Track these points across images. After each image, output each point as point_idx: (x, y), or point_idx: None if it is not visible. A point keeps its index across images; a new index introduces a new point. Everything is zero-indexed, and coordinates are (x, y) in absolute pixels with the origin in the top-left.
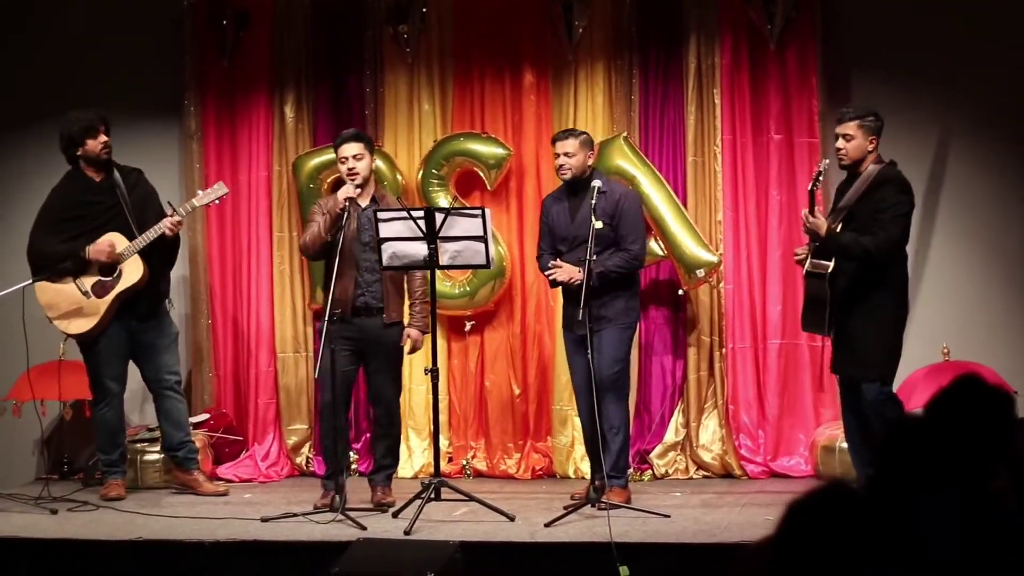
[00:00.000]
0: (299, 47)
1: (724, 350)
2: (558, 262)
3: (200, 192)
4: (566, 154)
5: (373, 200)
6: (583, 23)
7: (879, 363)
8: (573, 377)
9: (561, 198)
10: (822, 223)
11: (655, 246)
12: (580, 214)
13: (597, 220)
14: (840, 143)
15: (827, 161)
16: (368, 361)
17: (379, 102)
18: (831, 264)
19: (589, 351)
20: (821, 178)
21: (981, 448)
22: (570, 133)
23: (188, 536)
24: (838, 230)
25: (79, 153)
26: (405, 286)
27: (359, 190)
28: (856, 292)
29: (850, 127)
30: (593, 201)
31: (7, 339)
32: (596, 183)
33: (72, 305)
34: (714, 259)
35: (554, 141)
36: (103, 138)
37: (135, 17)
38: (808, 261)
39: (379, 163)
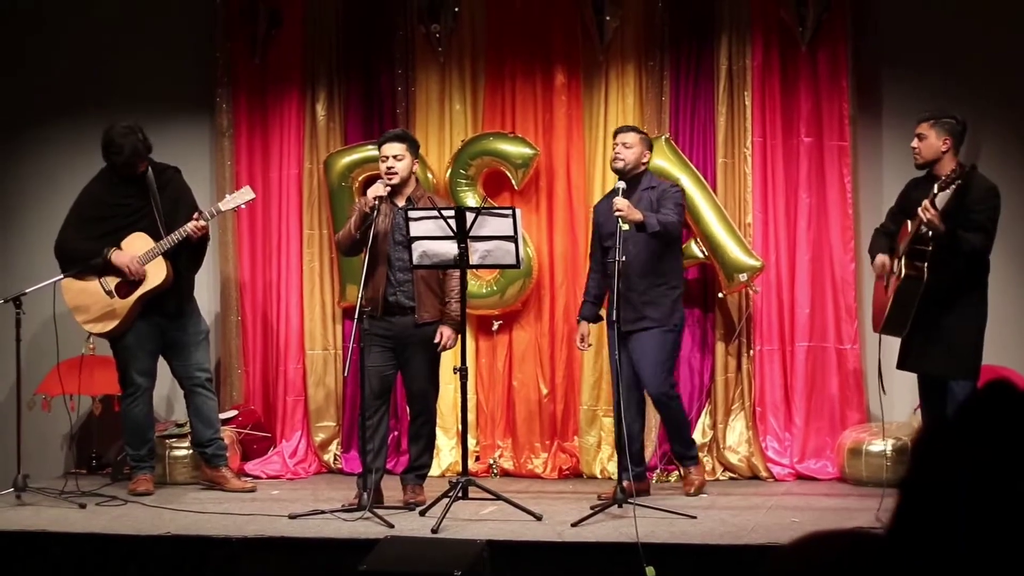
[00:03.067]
0: (331, 45)
1: (752, 352)
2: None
3: (228, 196)
4: (624, 144)
5: (409, 200)
6: (614, 23)
7: (973, 361)
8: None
9: (611, 197)
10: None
11: (695, 248)
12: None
13: (624, 224)
14: (914, 143)
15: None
16: (403, 360)
17: (410, 101)
18: (925, 265)
19: (617, 351)
20: (960, 182)
21: (1012, 452)
22: (632, 128)
23: (216, 532)
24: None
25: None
26: (440, 285)
27: (389, 189)
28: (955, 291)
29: (923, 127)
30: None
31: (38, 334)
32: (620, 184)
33: (96, 304)
34: (757, 264)
35: (615, 134)
36: (141, 169)
37: (167, 14)
38: (902, 262)
39: None
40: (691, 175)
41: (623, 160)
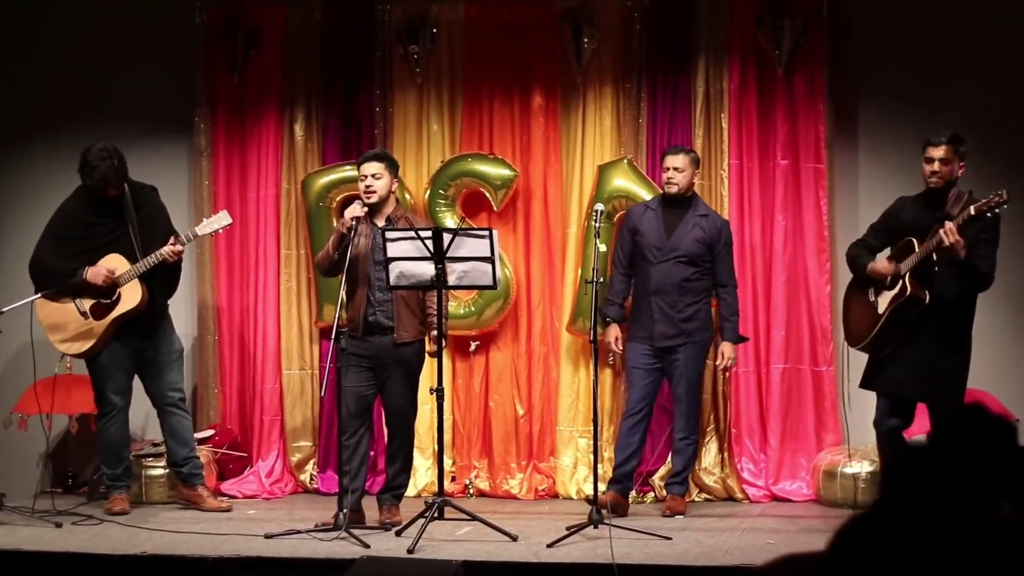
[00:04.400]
0: (310, 66)
1: (727, 374)
2: None
3: (205, 220)
4: (676, 168)
5: (388, 220)
6: (592, 46)
7: (961, 390)
8: (637, 390)
9: (655, 208)
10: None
11: None
12: (679, 230)
13: (601, 244)
14: (936, 165)
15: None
16: (382, 380)
17: (388, 122)
18: (929, 287)
19: (594, 363)
20: (997, 210)
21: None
22: (681, 149)
23: (192, 552)
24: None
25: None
26: (419, 305)
27: (366, 209)
28: (952, 317)
29: (947, 150)
30: (597, 224)
31: (14, 352)
32: (599, 207)
33: (70, 325)
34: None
35: (664, 155)
36: (112, 193)
37: (147, 33)
38: (907, 280)
39: None
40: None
41: (677, 185)
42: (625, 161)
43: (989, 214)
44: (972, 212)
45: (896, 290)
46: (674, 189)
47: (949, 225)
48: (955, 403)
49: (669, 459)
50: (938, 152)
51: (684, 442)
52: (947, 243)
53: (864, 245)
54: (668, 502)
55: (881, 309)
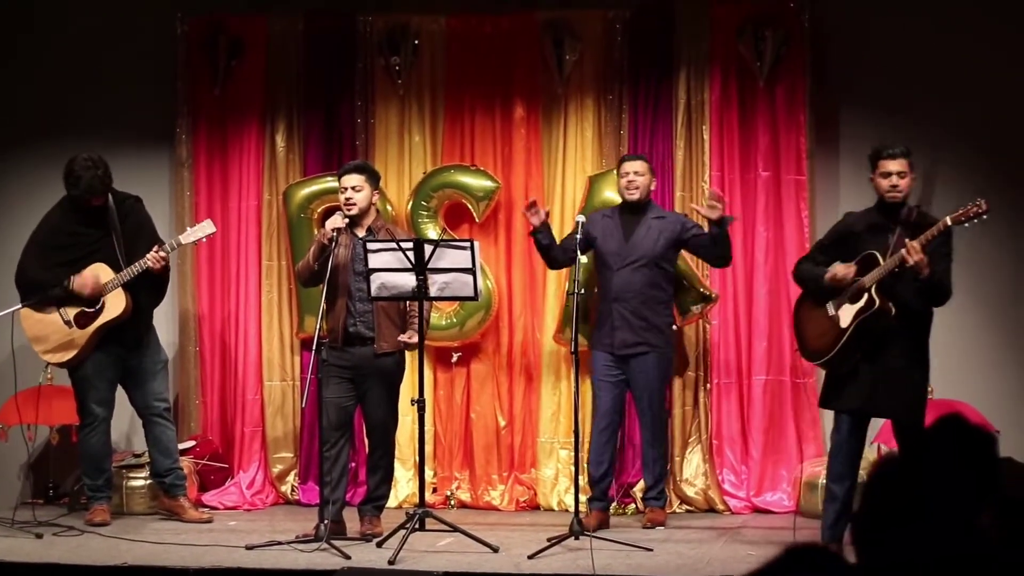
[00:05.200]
0: (291, 77)
1: (709, 385)
2: None
3: (188, 228)
4: (636, 172)
5: (369, 231)
6: (574, 57)
7: (923, 405)
8: (603, 403)
9: (612, 216)
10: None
11: None
12: (636, 234)
13: (583, 255)
14: (895, 179)
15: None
16: (362, 391)
17: (370, 133)
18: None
19: (575, 374)
20: (976, 221)
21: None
22: (638, 156)
23: (173, 563)
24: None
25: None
26: (400, 316)
27: (347, 220)
28: (913, 331)
29: (905, 163)
30: (579, 236)
31: None
32: (580, 218)
33: (54, 334)
34: (711, 296)
35: (622, 162)
36: (97, 202)
37: (128, 44)
38: (873, 293)
39: None
40: None
41: (638, 189)
42: (614, 171)
43: (967, 224)
44: (949, 222)
45: (862, 303)
46: (635, 194)
47: (912, 244)
48: (921, 420)
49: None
50: (896, 165)
51: (651, 455)
52: (911, 262)
53: (812, 261)
54: (648, 514)
55: (844, 323)
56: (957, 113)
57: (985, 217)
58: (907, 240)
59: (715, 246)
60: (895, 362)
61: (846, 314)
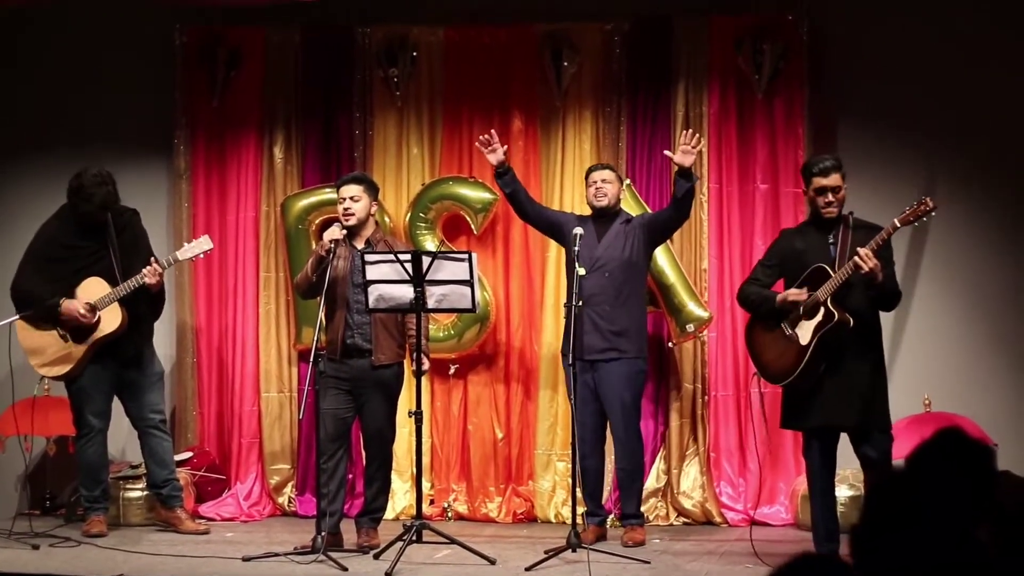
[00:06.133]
0: (289, 88)
1: (707, 398)
2: None
3: (186, 244)
4: (604, 180)
5: (368, 243)
6: (572, 69)
7: (887, 413)
8: (580, 411)
9: (586, 221)
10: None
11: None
12: (606, 239)
13: (581, 267)
14: (830, 196)
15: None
16: (360, 403)
17: (368, 144)
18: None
19: (573, 386)
20: (925, 219)
21: (963, 500)
22: (605, 165)
23: (169, 574)
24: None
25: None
26: (398, 328)
27: (345, 232)
28: (870, 341)
29: (839, 177)
30: (576, 248)
31: None
32: (578, 231)
33: (51, 347)
34: (706, 315)
35: (589, 172)
36: (101, 218)
37: (126, 55)
38: (831, 306)
39: None
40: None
41: (606, 196)
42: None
43: (916, 224)
44: (898, 224)
45: (820, 317)
46: (604, 200)
47: (864, 251)
48: (888, 431)
49: (646, 482)
50: (830, 181)
51: (624, 473)
52: (866, 269)
53: (758, 283)
54: (627, 532)
55: (805, 340)
56: (955, 125)
57: (933, 215)
58: (858, 248)
59: (682, 201)
60: (858, 371)
61: (804, 331)
